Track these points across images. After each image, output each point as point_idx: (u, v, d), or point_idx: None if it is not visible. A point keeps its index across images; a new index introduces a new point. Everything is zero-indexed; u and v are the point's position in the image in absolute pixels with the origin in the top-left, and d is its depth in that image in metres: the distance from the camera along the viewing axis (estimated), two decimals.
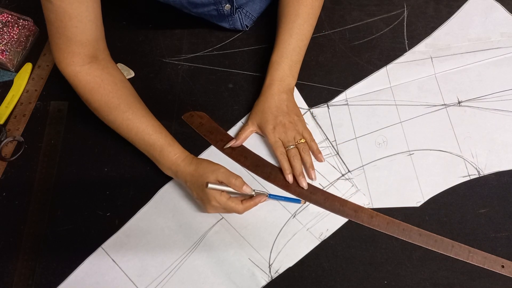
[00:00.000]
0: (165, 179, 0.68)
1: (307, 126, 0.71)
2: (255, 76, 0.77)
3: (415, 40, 0.79)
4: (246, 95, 0.75)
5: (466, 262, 0.62)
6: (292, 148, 0.68)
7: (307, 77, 0.76)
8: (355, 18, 0.82)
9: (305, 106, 0.74)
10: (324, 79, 0.76)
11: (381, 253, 0.63)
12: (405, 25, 0.81)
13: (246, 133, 0.70)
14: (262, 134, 0.71)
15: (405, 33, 0.80)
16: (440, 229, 0.64)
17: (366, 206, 0.66)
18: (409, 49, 0.78)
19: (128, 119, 0.63)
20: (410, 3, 0.83)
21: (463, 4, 0.83)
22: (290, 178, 0.67)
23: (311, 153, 0.69)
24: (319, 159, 0.69)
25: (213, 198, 0.60)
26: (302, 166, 0.68)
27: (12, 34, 0.77)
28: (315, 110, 0.74)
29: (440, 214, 0.65)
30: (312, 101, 0.75)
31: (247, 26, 0.80)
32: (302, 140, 0.68)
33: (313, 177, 0.68)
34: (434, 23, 0.81)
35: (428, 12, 0.82)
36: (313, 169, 0.68)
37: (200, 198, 0.62)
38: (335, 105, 0.74)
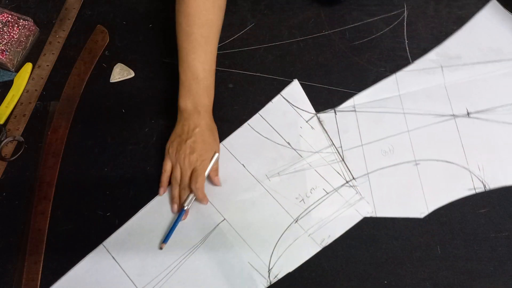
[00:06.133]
0: None
1: (313, 131, 0.70)
2: (255, 76, 0.77)
3: (415, 40, 0.79)
4: (246, 95, 0.75)
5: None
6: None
7: (307, 77, 0.76)
8: (355, 18, 0.82)
9: (312, 111, 0.74)
10: (324, 79, 0.76)
11: (381, 253, 0.63)
12: (405, 25, 0.81)
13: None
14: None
15: (405, 33, 0.80)
16: (440, 229, 0.64)
17: (369, 215, 0.66)
18: (409, 49, 0.78)
19: (196, 40, 0.64)
20: (410, 3, 0.83)
21: (463, 4, 0.83)
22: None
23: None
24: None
25: (201, 159, 0.62)
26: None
27: (12, 34, 0.77)
28: (322, 115, 0.73)
29: (440, 214, 0.65)
30: (312, 101, 0.74)
31: None
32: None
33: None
34: (434, 23, 0.81)
35: (428, 12, 0.82)
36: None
37: (190, 147, 0.63)
38: (342, 111, 0.73)
